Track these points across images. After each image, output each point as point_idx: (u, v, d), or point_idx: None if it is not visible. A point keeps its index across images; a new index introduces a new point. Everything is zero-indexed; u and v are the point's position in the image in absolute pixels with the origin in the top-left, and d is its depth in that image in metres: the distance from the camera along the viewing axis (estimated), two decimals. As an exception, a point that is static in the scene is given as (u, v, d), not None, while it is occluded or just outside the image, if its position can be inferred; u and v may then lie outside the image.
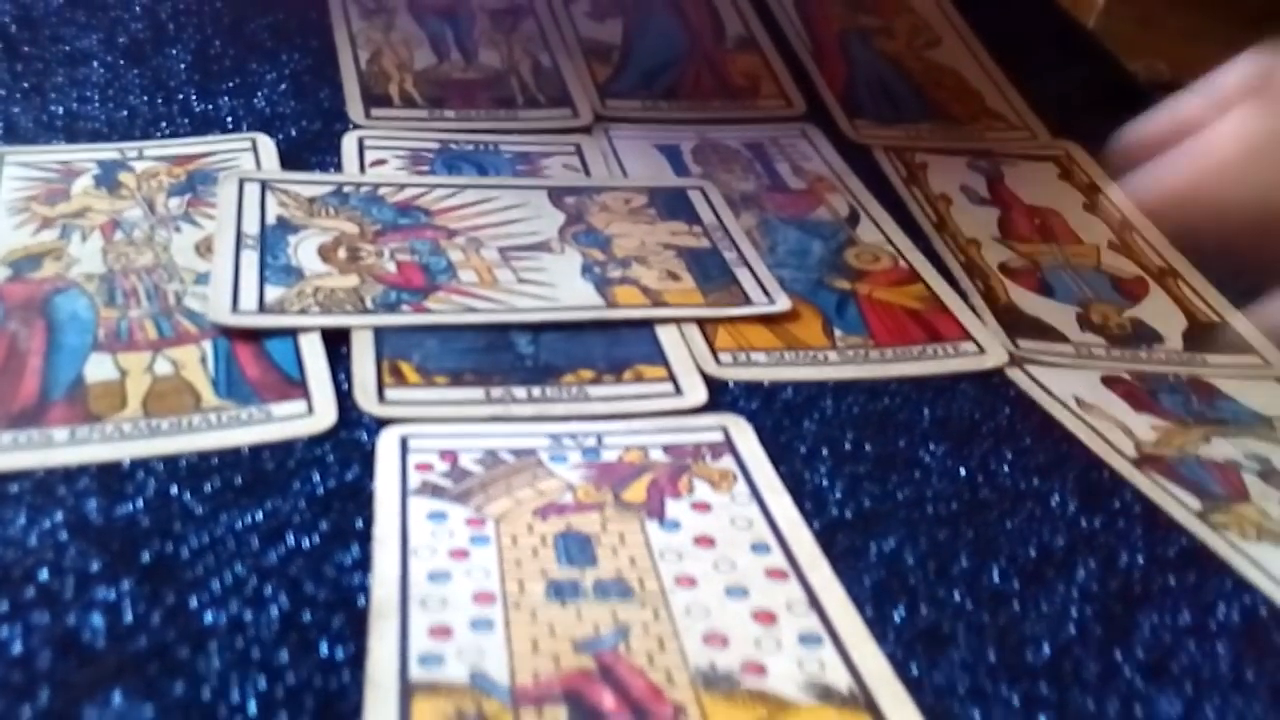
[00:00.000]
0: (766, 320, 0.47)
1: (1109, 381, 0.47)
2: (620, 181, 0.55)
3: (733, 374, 0.44)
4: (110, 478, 0.37)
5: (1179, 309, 0.52)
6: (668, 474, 0.39)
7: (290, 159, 0.53)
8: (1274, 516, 0.40)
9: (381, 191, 0.52)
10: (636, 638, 0.32)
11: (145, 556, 0.34)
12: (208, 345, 0.42)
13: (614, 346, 0.45)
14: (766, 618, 0.34)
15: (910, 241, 0.53)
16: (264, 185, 0.50)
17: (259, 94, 0.57)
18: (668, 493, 0.38)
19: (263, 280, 0.45)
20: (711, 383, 0.43)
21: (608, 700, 0.30)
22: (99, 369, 0.41)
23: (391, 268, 0.47)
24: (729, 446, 0.41)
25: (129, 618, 0.32)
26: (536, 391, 0.42)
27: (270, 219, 0.48)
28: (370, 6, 0.65)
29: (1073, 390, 0.46)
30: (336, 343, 0.43)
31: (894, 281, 0.51)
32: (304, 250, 0.47)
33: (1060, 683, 0.33)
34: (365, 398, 0.41)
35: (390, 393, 0.41)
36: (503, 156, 0.56)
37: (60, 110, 0.54)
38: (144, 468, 0.37)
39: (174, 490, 0.37)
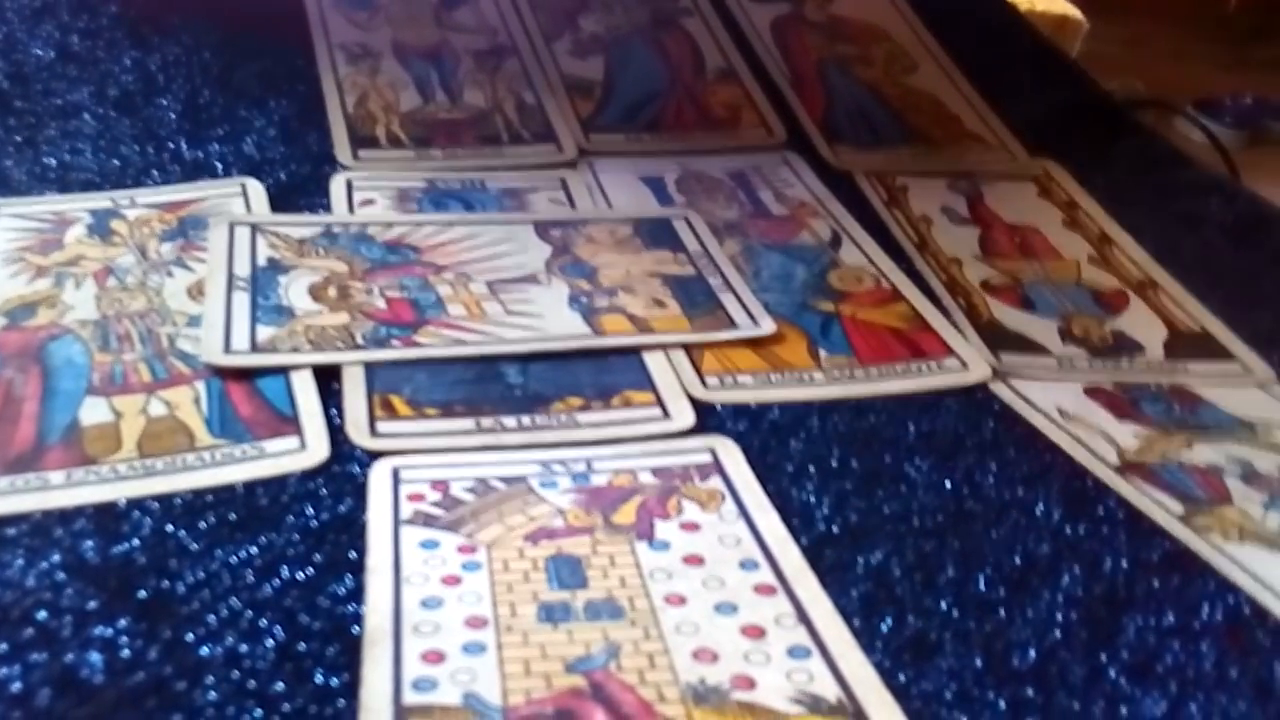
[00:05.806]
0: (752, 343, 0.48)
1: (1091, 392, 0.47)
2: (605, 213, 0.56)
3: (720, 397, 0.45)
4: (106, 518, 0.37)
5: (1159, 319, 0.52)
6: (657, 496, 0.39)
7: (280, 202, 0.54)
8: (1256, 518, 0.41)
9: (370, 230, 0.52)
10: (627, 656, 0.33)
11: (142, 593, 0.35)
12: (201, 386, 0.43)
13: (602, 374, 0.45)
14: (755, 632, 0.34)
15: (892, 262, 0.54)
16: (254, 228, 0.51)
17: (248, 140, 0.58)
18: (657, 514, 0.39)
19: (254, 320, 0.46)
20: (699, 406, 0.44)
21: (599, 718, 0.31)
22: (94, 412, 0.41)
23: (381, 304, 0.48)
24: (717, 467, 0.41)
25: (126, 654, 0.33)
26: (526, 420, 0.43)
27: (261, 260, 0.49)
28: (356, 51, 0.66)
29: (1055, 401, 0.46)
30: (328, 379, 0.43)
31: (877, 302, 0.51)
32: (295, 290, 0.48)
33: (1046, 686, 0.33)
34: (357, 431, 0.41)
35: (382, 426, 0.42)
36: (489, 193, 0.57)
37: (53, 162, 0.55)
38: (140, 507, 0.38)
39: (169, 528, 0.37)
